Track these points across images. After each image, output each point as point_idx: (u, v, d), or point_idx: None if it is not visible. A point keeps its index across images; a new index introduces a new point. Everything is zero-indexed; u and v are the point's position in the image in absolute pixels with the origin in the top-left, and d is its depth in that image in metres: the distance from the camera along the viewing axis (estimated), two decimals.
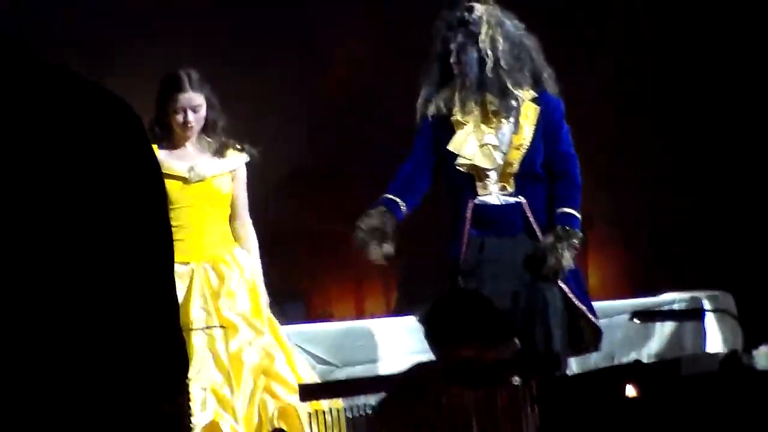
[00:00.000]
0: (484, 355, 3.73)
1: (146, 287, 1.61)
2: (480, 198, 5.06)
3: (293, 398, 5.12)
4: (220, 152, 5.43)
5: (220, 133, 5.44)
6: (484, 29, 5.02)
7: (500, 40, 5.01)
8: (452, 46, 5.02)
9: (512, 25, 5.11)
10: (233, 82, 7.38)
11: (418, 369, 3.78)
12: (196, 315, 5.18)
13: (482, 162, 5.01)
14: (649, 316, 5.97)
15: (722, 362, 3.56)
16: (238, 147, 5.49)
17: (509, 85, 4.99)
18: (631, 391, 3.38)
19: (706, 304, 6.76)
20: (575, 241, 4.94)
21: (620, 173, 8.96)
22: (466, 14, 5.05)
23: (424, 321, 4.02)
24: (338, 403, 4.21)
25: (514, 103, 5.02)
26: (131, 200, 1.61)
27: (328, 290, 8.28)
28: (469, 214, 5.04)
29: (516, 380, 3.71)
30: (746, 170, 8.19)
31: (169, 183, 4.53)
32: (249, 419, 5.09)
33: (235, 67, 7.37)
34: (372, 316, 7.40)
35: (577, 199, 5.08)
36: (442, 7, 5.25)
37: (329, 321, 7.26)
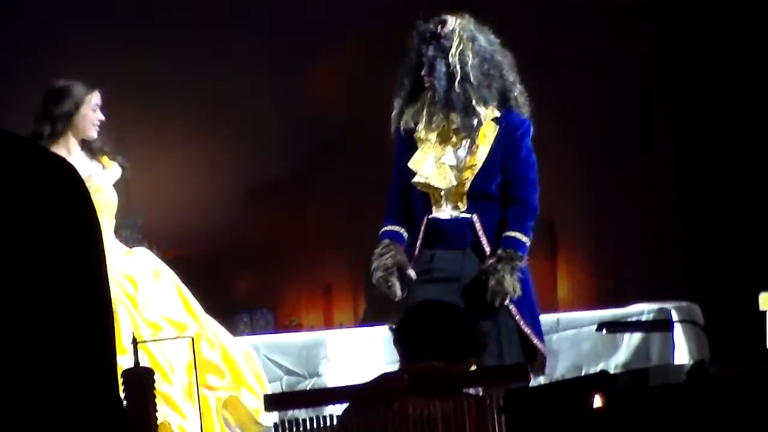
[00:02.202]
0: (453, 366, 3.72)
1: (83, 349, 1.57)
2: (433, 214, 5.02)
3: (227, 383, 5.17)
4: (97, 157, 5.49)
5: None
6: (455, 43, 4.96)
7: (470, 54, 4.95)
8: (423, 59, 4.98)
9: (485, 39, 5.03)
10: (208, 92, 7.37)
11: (384, 379, 3.77)
12: (122, 324, 5.16)
13: (437, 182, 4.95)
14: (616, 327, 5.98)
15: (689, 373, 3.55)
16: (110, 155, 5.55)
17: (473, 102, 4.93)
18: (597, 402, 3.37)
19: (674, 315, 6.78)
20: (518, 263, 4.85)
21: (587, 184, 8.98)
22: (438, 27, 5.00)
23: (394, 331, 4.01)
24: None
25: (475, 121, 4.95)
26: (69, 256, 1.57)
27: (297, 300, 8.26)
28: (422, 229, 5.01)
29: (482, 391, 3.71)
30: (712, 182, 8.22)
31: None
32: (194, 415, 5.11)
33: (212, 77, 7.35)
34: (341, 327, 7.39)
35: (527, 223, 4.96)
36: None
37: (297, 331, 7.25)
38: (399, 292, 4.93)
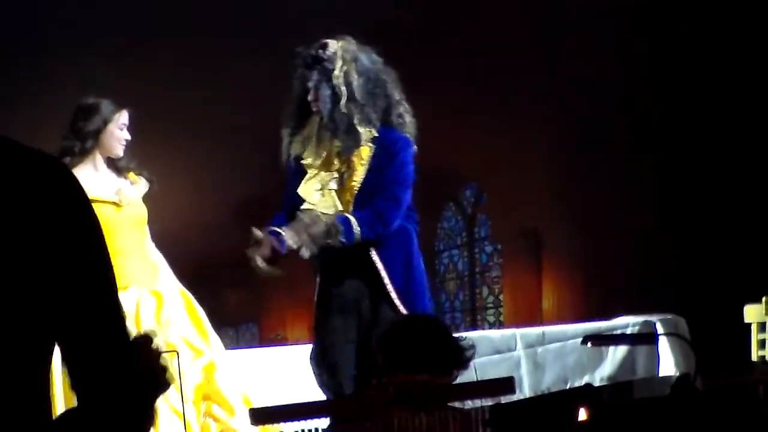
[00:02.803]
0: (437, 379, 3.72)
1: (96, 322, 1.68)
2: None
3: (235, 420, 5.15)
4: (124, 174, 5.49)
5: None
6: (338, 65, 4.91)
7: (354, 74, 4.89)
8: (309, 85, 4.94)
9: (368, 59, 4.96)
10: (198, 112, 7.38)
11: (369, 392, 3.76)
12: None
13: (324, 208, 4.89)
14: (601, 339, 5.97)
15: (674, 386, 3.55)
16: (136, 171, 5.55)
17: (356, 122, 4.88)
18: (583, 414, 3.37)
19: (659, 328, 6.79)
20: (334, 235, 4.72)
21: (572, 198, 9.00)
22: (320, 51, 4.95)
23: (379, 343, 4.00)
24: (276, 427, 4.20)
25: (355, 142, 4.90)
26: (73, 248, 1.68)
27: (282, 314, 8.24)
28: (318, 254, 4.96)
29: (468, 404, 3.70)
30: (697, 196, 8.24)
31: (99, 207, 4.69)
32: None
33: (198, 93, 7.34)
34: None
35: (368, 221, 4.81)
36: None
37: (282, 345, 7.24)
38: (259, 262, 4.85)
